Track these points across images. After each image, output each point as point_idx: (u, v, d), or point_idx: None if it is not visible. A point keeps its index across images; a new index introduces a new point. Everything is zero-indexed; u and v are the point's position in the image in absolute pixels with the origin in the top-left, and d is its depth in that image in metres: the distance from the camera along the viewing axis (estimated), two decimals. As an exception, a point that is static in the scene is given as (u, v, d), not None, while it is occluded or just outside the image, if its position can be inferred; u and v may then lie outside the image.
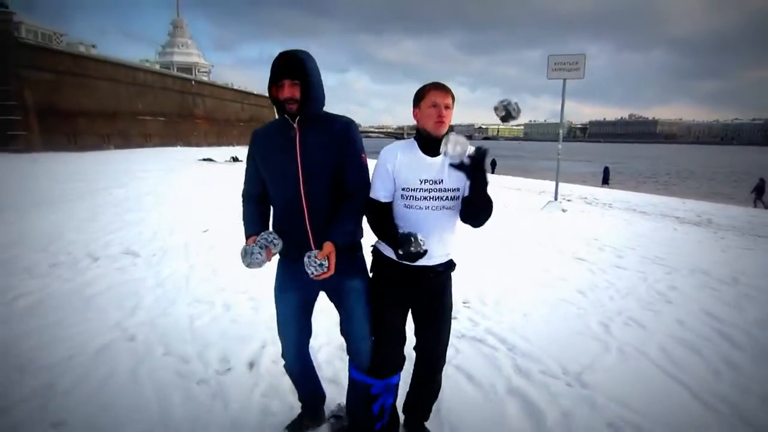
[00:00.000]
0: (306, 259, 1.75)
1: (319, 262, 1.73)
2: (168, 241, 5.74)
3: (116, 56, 34.23)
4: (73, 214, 7.37)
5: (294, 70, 1.81)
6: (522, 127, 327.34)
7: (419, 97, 1.92)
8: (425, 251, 1.76)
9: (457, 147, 1.73)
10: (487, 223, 1.94)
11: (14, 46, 24.67)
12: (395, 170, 1.90)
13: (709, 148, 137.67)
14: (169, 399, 2.41)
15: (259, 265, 1.81)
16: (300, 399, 2.26)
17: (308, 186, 1.86)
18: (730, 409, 2.53)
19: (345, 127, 1.90)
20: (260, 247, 1.80)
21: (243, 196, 2.04)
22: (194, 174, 13.67)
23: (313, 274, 1.74)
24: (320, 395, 2.31)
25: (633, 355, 3.14)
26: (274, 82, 1.84)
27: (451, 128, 1.88)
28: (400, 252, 1.76)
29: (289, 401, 2.46)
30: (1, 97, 23.93)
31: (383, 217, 1.92)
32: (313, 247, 1.87)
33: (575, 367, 2.92)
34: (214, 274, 4.52)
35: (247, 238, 1.93)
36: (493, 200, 1.88)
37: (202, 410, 2.33)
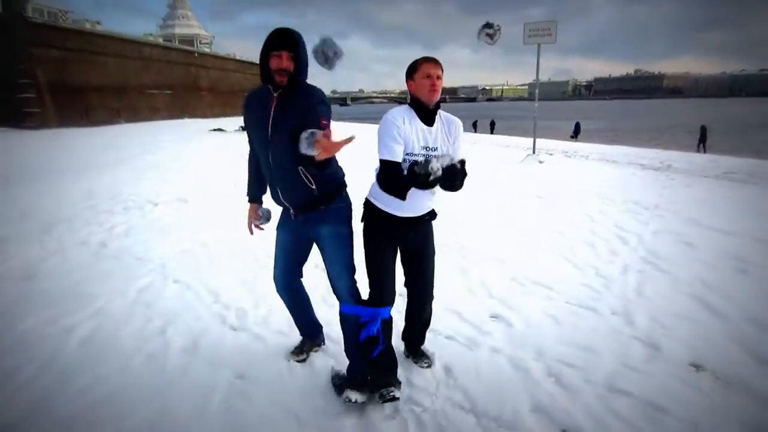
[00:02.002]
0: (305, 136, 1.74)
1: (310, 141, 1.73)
2: (206, 192, 7.13)
3: (120, 31, 34.82)
4: (119, 175, 8.75)
5: (293, 44, 1.93)
6: (526, 87, 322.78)
7: (413, 70, 2.08)
8: (438, 174, 1.90)
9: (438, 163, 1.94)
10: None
11: (25, 24, 25.03)
12: (404, 133, 2.03)
13: (715, 101, 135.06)
14: (238, 268, 3.94)
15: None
16: (297, 326, 2.51)
17: (274, 145, 2.02)
18: (594, 270, 3.95)
19: (315, 102, 1.98)
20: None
21: (249, 153, 2.32)
22: (210, 141, 14.94)
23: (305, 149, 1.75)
24: (315, 323, 2.55)
25: (547, 249, 4.54)
26: (275, 49, 1.92)
27: (444, 99, 2.57)
28: (423, 176, 1.88)
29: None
30: (16, 75, 24.47)
31: (400, 176, 2.01)
32: (282, 199, 2.18)
33: (501, 254, 4.34)
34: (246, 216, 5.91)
35: (250, 202, 2.45)
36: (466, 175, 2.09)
37: (259, 270, 3.81)
